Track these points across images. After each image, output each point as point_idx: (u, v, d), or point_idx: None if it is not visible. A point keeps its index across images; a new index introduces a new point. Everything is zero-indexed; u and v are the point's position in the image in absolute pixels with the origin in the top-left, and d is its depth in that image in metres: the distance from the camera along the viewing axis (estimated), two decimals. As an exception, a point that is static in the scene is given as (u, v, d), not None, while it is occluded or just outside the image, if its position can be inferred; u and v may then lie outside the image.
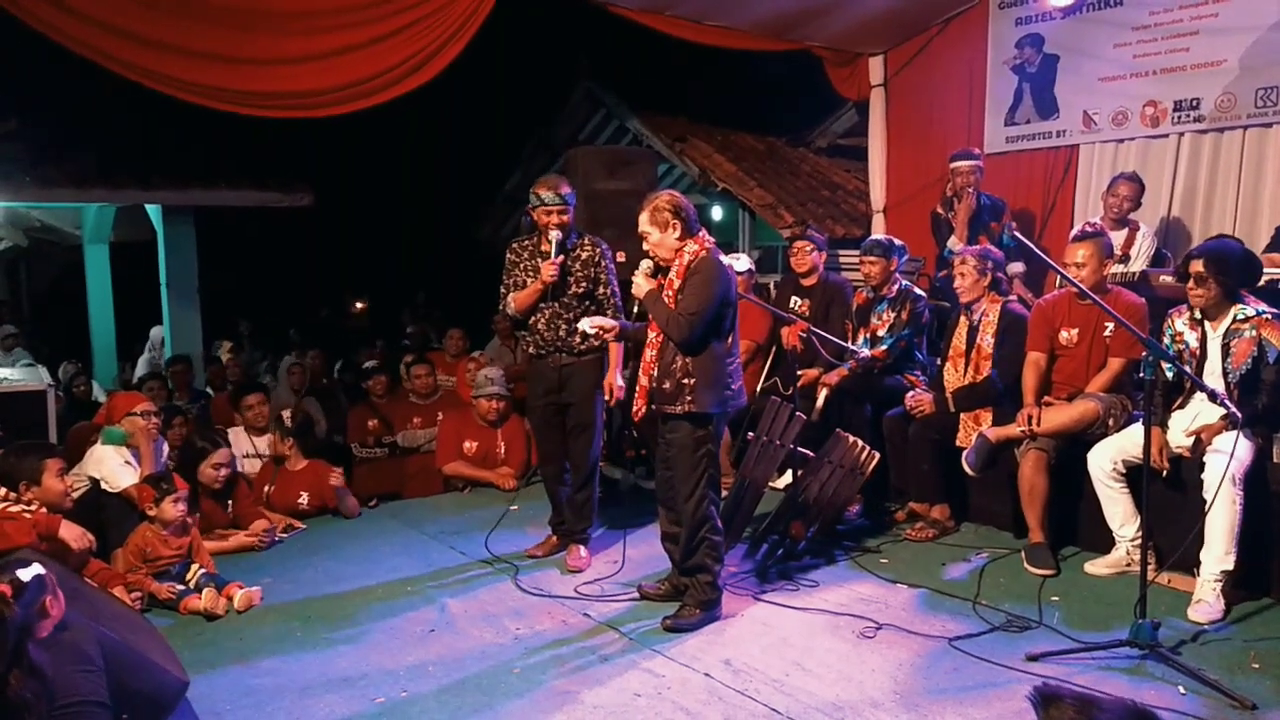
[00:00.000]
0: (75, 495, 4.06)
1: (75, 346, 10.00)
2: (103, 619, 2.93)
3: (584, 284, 4.34)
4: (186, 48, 4.53)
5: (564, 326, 4.31)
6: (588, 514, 4.51)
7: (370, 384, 6.61)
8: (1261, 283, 4.03)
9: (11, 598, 2.25)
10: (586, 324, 4.01)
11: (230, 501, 4.92)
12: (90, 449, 4.54)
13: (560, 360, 4.35)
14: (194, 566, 4.11)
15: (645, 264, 3.80)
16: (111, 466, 4.40)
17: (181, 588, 4.01)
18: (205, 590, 3.95)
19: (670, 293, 3.68)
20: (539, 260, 4.30)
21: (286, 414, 5.39)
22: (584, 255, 4.37)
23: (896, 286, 5.24)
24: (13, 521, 3.52)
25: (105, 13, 4.31)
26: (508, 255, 4.47)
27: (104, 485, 4.37)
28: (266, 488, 5.26)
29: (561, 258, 4.26)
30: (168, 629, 3.71)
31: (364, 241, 13.38)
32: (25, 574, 2.41)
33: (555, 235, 4.24)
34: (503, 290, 4.45)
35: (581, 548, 4.48)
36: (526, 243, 4.44)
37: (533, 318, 4.37)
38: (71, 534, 3.65)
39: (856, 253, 5.54)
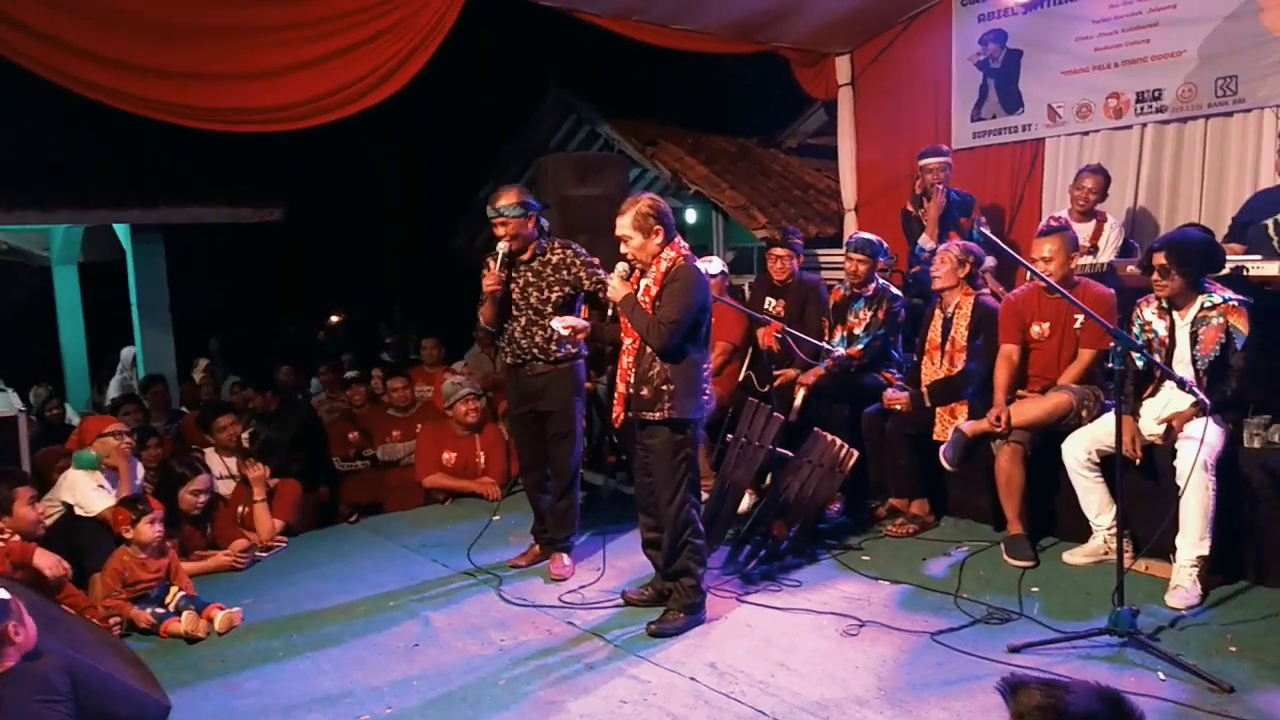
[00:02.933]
0: (48, 521, 4.01)
1: (46, 370, 9.88)
2: (80, 646, 2.91)
3: (558, 289, 4.30)
4: (148, 65, 4.49)
5: (539, 334, 4.30)
6: (570, 522, 4.50)
7: (349, 394, 6.56)
8: (1226, 270, 4.09)
9: None
10: (558, 323, 4.02)
11: (208, 524, 4.88)
12: (63, 474, 4.48)
13: (537, 368, 4.34)
14: (173, 589, 4.07)
15: (621, 267, 3.79)
16: (85, 491, 4.35)
17: (161, 611, 3.96)
18: (185, 613, 3.91)
19: (647, 299, 3.68)
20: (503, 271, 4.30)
21: (244, 436, 5.32)
22: (554, 259, 4.34)
23: (874, 285, 5.28)
24: (-15, 550, 3.48)
25: (65, 31, 4.27)
26: (482, 268, 4.47)
27: (78, 510, 4.32)
28: (241, 508, 5.21)
29: (502, 272, 4.24)
30: (148, 653, 3.67)
31: (339, 255, 13.29)
32: None
33: (501, 247, 4.25)
34: (479, 301, 4.45)
35: (565, 556, 4.47)
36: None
37: (508, 326, 4.36)
38: (46, 561, 3.62)
39: (829, 251, 5.56)
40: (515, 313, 4.33)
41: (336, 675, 3.50)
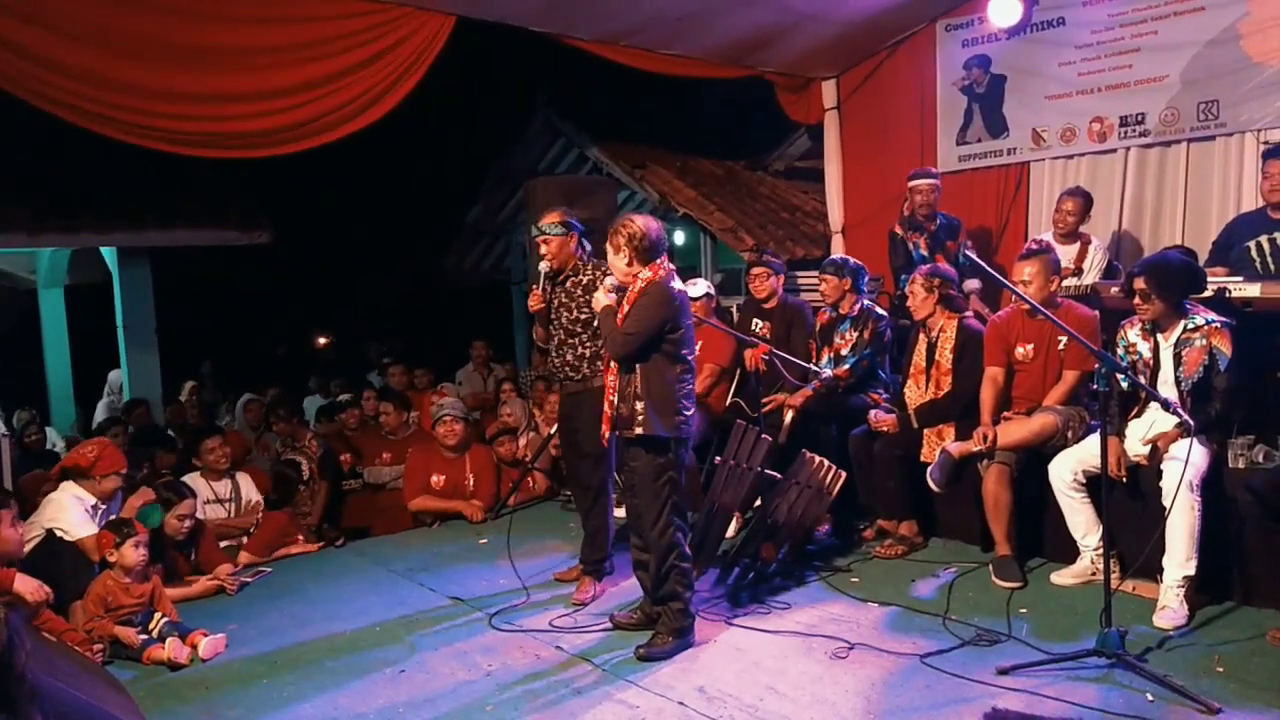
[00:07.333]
0: (29, 546, 3.97)
1: (31, 393, 9.80)
2: (60, 674, 2.87)
3: (586, 310, 4.23)
4: (125, 83, 4.51)
5: (570, 354, 4.30)
6: (600, 544, 4.40)
7: (343, 417, 6.62)
8: (1209, 292, 4.12)
9: None
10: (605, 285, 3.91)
11: (193, 550, 4.85)
12: (47, 498, 4.43)
13: (569, 388, 4.37)
14: (156, 615, 4.02)
15: (608, 280, 3.85)
16: (72, 517, 4.29)
17: (145, 637, 3.92)
18: (169, 639, 3.86)
19: (621, 316, 3.74)
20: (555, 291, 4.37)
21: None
22: (585, 280, 4.29)
23: (858, 306, 5.30)
24: (-34, 576, 3.44)
25: (49, 50, 4.28)
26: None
27: (58, 533, 4.26)
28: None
29: (544, 291, 4.29)
30: (131, 681, 3.62)
31: (327, 277, 13.28)
32: None
33: (543, 266, 4.29)
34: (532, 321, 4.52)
35: (592, 582, 4.37)
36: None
37: (551, 344, 4.40)
38: (27, 587, 3.58)
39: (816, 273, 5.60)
40: (551, 331, 4.36)
41: (322, 702, 3.46)
